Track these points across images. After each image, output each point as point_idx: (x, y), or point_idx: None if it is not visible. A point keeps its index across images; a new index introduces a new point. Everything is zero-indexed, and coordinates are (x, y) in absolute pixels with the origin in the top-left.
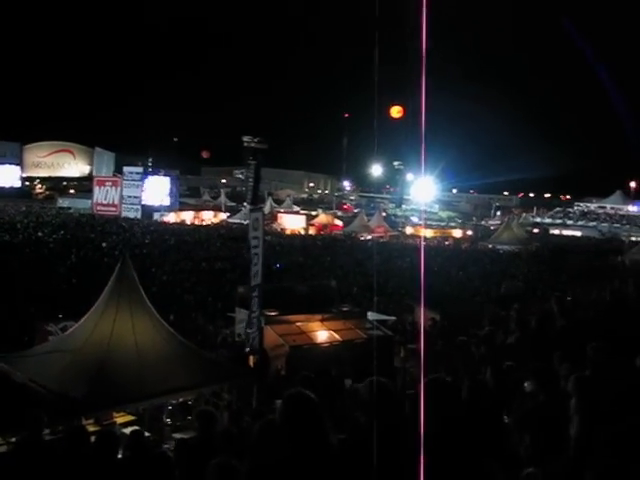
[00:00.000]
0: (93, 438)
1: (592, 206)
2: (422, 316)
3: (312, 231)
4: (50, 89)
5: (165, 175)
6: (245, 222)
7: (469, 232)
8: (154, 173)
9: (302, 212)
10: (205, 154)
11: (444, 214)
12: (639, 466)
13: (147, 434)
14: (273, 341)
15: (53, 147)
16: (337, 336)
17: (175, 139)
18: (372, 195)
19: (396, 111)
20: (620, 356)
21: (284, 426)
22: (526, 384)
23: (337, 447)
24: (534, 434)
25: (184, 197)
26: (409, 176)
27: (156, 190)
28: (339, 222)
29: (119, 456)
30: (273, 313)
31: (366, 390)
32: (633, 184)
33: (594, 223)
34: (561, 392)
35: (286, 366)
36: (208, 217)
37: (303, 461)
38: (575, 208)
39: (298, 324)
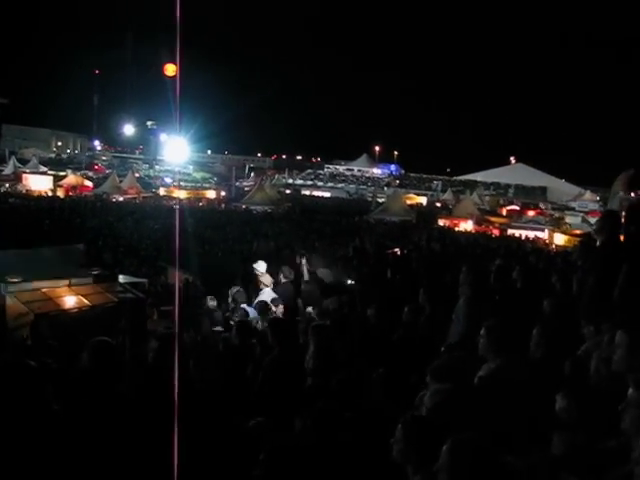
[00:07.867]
0: None
1: (341, 168)
2: (177, 277)
3: (60, 192)
4: None
5: None
6: None
7: (223, 193)
8: None
9: (50, 172)
10: None
11: (198, 175)
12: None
13: None
14: (16, 310)
15: None
16: (86, 301)
17: None
18: (125, 155)
19: (171, 69)
20: (356, 307)
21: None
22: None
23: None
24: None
25: None
26: (163, 136)
27: None
28: (89, 183)
29: None
30: (15, 280)
31: (87, 353)
32: (378, 148)
33: (342, 184)
34: (301, 344)
35: (31, 335)
36: None
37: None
38: (325, 170)
39: (44, 290)
